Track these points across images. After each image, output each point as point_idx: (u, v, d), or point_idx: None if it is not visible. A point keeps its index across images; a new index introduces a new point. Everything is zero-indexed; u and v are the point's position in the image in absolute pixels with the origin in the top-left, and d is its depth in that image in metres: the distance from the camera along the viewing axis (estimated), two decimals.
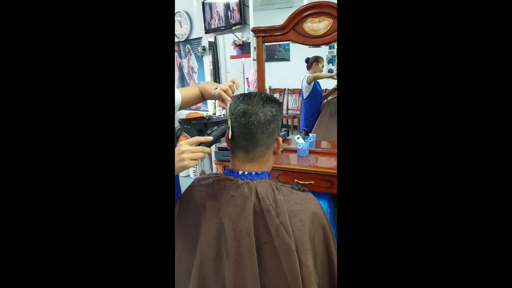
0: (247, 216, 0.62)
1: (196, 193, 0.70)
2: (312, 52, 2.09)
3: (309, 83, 2.10)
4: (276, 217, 0.62)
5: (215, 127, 0.70)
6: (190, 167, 0.65)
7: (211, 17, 2.40)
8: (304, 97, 2.17)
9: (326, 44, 1.60)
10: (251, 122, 0.64)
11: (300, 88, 2.21)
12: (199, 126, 2.18)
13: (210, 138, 0.67)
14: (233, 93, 0.79)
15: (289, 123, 3.00)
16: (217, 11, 2.33)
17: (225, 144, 0.72)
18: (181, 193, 0.77)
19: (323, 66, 2.10)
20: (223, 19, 2.25)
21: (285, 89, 2.98)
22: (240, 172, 0.68)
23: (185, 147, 0.64)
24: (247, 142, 0.65)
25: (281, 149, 1.86)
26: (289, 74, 2.72)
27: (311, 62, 2.09)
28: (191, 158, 0.63)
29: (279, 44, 2.69)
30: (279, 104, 0.69)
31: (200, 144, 0.67)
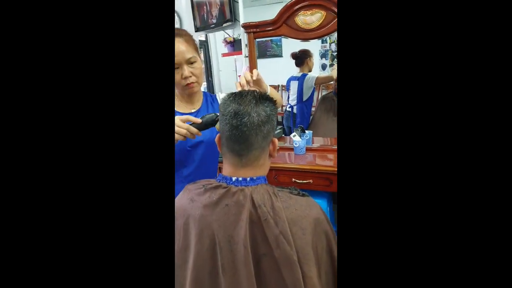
0: (242, 226, 0.57)
1: (187, 202, 0.65)
2: (303, 47, 2.02)
3: (315, 85, 1.99)
4: (275, 226, 0.57)
5: (210, 114, 0.76)
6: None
7: (201, 15, 2.34)
8: (304, 99, 2.04)
9: (319, 37, 1.55)
10: (244, 123, 0.58)
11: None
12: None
13: (200, 120, 0.74)
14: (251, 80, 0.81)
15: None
16: (206, 9, 2.27)
17: None
18: None
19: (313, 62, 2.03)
20: (213, 16, 2.18)
21: (278, 85, 2.94)
22: (233, 179, 0.62)
23: (176, 121, 0.72)
24: (240, 146, 0.60)
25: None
26: (282, 70, 2.66)
27: (303, 58, 2.01)
28: (175, 132, 0.71)
29: (271, 40, 2.63)
30: (274, 102, 0.64)
31: (191, 124, 0.73)
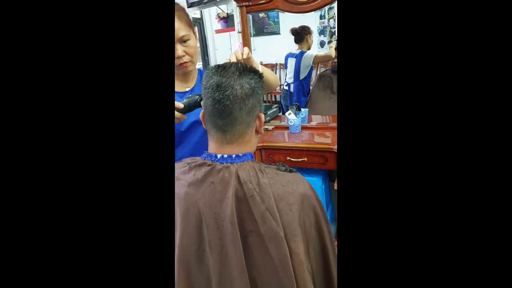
0: (228, 203, 0.56)
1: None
2: (301, 23, 1.95)
3: (313, 64, 1.94)
4: (261, 202, 0.56)
5: (191, 96, 0.72)
6: None
7: None
8: (301, 78, 1.98)
9: (315, 9, 1.49)
10: (226, 96, 0.56)
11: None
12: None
13: (182, 105, 0.70)
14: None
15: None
16: None
17: None
18: None
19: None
20: None
21: (277, 64, 2.87)
22: (218, 156, 0.60)
23: None
24: (224, 121, 0.58)
25: (272, 127, 1.78)
26: (280, 48, 2.59)
27: (303, 35, 1.94)
28: None
29: (268, 16, 2.54)
30: (260, 75, 0.61)
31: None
